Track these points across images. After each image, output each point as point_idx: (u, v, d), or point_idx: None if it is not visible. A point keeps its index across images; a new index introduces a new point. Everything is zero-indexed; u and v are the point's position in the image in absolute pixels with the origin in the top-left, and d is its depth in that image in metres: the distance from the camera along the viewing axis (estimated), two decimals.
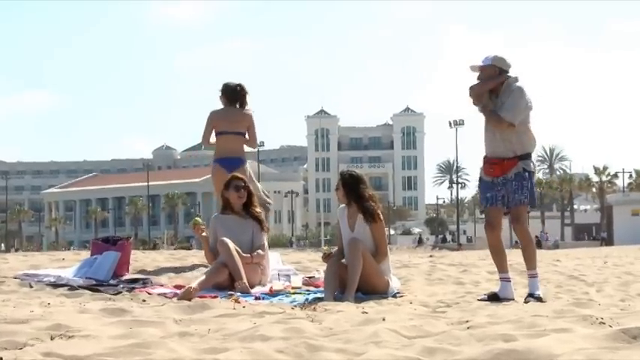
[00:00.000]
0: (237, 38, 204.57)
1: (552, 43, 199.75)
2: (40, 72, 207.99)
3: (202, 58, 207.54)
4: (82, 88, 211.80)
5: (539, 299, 6.99)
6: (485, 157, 7.36)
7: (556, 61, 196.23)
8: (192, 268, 10.20)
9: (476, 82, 7.35)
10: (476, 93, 7.31)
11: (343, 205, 7.69)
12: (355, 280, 7.19)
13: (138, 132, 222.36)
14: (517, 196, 7.22)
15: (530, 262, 7.30)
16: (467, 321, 5.00)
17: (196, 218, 8.50)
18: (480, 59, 7.40)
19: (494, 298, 7.17)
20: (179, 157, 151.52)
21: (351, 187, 7.59)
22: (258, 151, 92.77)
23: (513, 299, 7.15)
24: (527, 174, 7.26)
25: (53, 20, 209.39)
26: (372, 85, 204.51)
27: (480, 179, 7.43)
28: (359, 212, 7.57)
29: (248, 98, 9.92)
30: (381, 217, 7.65)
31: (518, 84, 7.30)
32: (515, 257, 10.00)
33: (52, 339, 4.34)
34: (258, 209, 8.35)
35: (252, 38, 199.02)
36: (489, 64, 7.32)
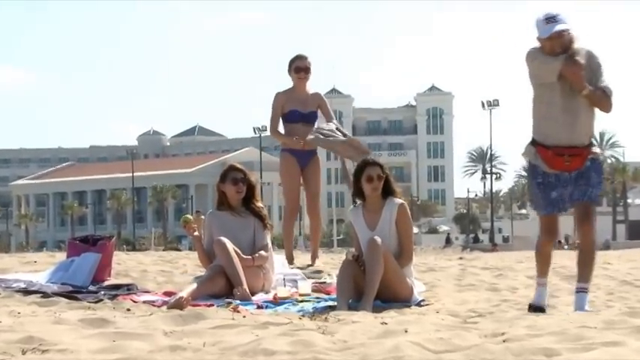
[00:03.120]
0: (238, 10, 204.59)
1: (601, 15, 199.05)
2: (5, 43, 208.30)
3: (198, 32, 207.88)
4: (55, 63, 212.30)
5: None
6: (554, 148, 6.82)
7: (609, 28, 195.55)
8: (185, 272, 10.23)
9: (554, 53, 6.74)
10: (577, 74, 6.69)
11: (357, 204, 7.71)
12: (374, 286, 7.20)
13: (121, 115, 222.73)
14: (591, 190, 6.83)
15: (588, 272, 6.95)
16: (502, 333, 5.01)
17: (187, 215, 8.53)
18: (545, 24, 6.72)
19: (538, 309, 7.03)
20: (168, 143, 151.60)
21: (387, 177, 7.65)
22: (260, 137, 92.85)
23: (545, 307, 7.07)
24: (598, 163, 6.93)
25: None
26: (393, 61, 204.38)
27: (538, 176, 6.94)
28: (382, 208, 7.60)
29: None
30: (409, 213, 7.69)
31: (589, 50, 6.83)
32: (559, 259, 10.00)
33: (23, 353, 4.37)
34: (259, 204, 8.35)
35: (258, 9, 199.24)
36: (567, 27, 6.75)
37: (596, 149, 6.99)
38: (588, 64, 6.80)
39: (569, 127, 6.78)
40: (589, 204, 6.87)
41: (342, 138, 10.15)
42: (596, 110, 6.89)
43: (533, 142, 7.01)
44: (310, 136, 10.11)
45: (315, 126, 10.36)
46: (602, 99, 6.78)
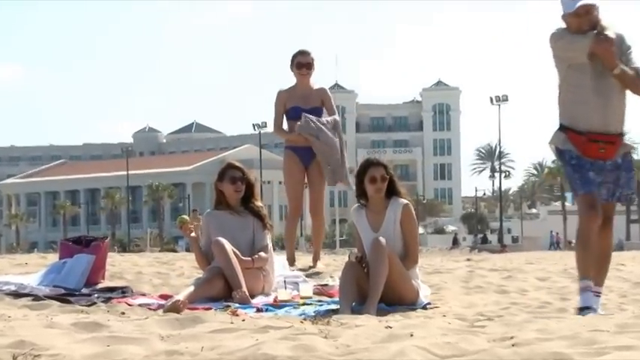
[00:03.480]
0: (234, 2, 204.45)
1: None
2: None
3: (194, 26, 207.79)
4: (47, 58, 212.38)
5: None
6: (587, 133, 6.61)
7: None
8: (181, 274, 10.24)
9: (584, 31, 6.53)
10: (609, 50, 6.42)
11: (357, 205, 7.73)
12: (379, 289, 7.21)
13: (115, 111, 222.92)
14: (620, 191, 6.68)
15: (603, 276, 6.89)
16: (511, 337, 5.01)
17: (183, 215, 8.54)
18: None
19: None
20: (164, 140, 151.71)
21: (391, 177, 7.66)
22: (259, 134, 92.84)
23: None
24: (629, 160, 6.77)
25: None
26: (397, 55, 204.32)
27: (572, 159, 6.66)
28: (386, 209, 7.60)
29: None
30: (414, 213, 7.70)
31: (618, 32, 6.61)
32: (569, 261, 9.99)
33: (14, 358, 4.37)
34: (259, 203, 8.36)
35: (253, 2, 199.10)
36: (593, 2, 6.51)
37: (630, 141, 6.82)
38: (618, 45, 6.58)
39: (601, 110, 6.55)
40: (613, 205, 6.76)
41: (329, 135, 10.19)
42: (628, 95, 6.67)
43: (562, 128, 6.78)
44: (299, 123, 10.16)
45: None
46: (635, 80, 6.56)
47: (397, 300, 7.44)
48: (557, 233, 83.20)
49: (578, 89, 6.62)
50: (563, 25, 6.75)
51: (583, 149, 6.64)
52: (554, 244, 78.37)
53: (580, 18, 6.56)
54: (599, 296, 6.92)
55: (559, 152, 6.83)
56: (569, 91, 6.70)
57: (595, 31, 6.57)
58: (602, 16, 6.68)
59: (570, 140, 6.70)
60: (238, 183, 8.24)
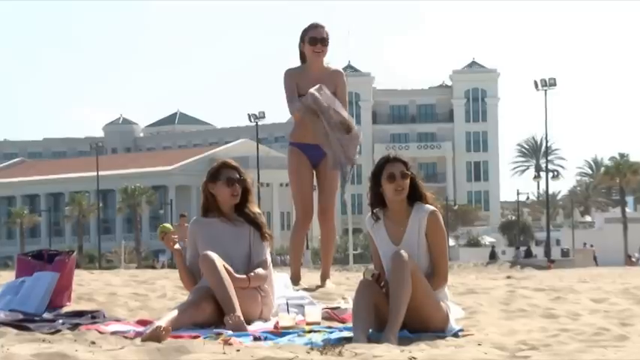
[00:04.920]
0: None
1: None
2: None
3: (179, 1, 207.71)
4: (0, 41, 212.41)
5: None
6: None
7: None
8: (163, 295, 10.26)
9: None
10: None
11: (376, 212, 7.72)
12: (400, 312, 7.22)
13: (83, 100, 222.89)
14: None
15: None
16: None
17: (166, 224, 8.52)
18: None
19: None
20: (142, 134, 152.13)
21: (413, 179, 7.64)
22: (257, 126, 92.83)
23: None
24: None
25: None
26: (423, 29, 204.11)
27: None
28: (408, 217, 7.60)
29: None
30: (442, 222, 7.69)
31: None
32: (631, 278, 9.98)
33: None
34: (256, 209, 8.36)
35: None
36: None
37: None
38: None
39: None
40: None
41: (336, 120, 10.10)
42: None
43: None
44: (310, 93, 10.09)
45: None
46: None
47: (423, 326, 7.44)
48: (592, 245, 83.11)
49: None
50: None
51: None
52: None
53: None
54: None
55: None
56: None
57: None
58: None
59: None
60: (236, 185, 8.24)
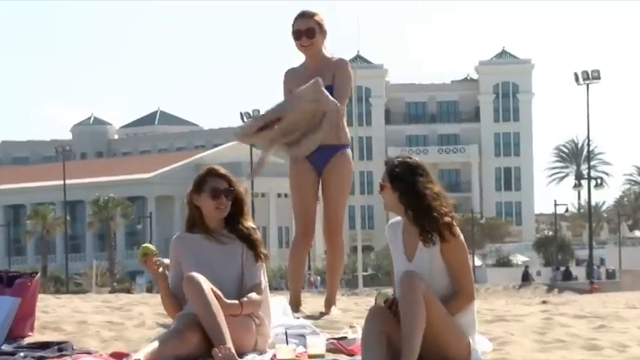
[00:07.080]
0: None
1: None
2: None
3: None
4: None
5: None
6: None
7: None
8: (141, 324, 10.29)
9: None
10: None
11: (398, 218, 7.74)
12: (414, 342, 7.25)
13: (48, 97, 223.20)
14: None
15: None
16: None
17: (147, 245, 8.49)
18: None
19: None
20: (116, 136, 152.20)
21: (406, 184, 7.62)
22: None
23: None
24: None
25: None
26: (444, 15, 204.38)
27: None
28: (418, 229, 7.60)
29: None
30: (459, 234, 7.68)
31: None
32: None
33: None
34: (250, 224, 8.37)
35: None
36: None
37: None
38: None
39: None
40: None
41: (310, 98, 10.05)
42: None
43: None
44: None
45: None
46: None
47: (441, 357, 7.48)
48: (599, 267, 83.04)
49: None
50: None
51: None
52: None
53: None
54: None
55: None
56: None
57: None
58: None
59: None
60: (222, 197, 8.24)
